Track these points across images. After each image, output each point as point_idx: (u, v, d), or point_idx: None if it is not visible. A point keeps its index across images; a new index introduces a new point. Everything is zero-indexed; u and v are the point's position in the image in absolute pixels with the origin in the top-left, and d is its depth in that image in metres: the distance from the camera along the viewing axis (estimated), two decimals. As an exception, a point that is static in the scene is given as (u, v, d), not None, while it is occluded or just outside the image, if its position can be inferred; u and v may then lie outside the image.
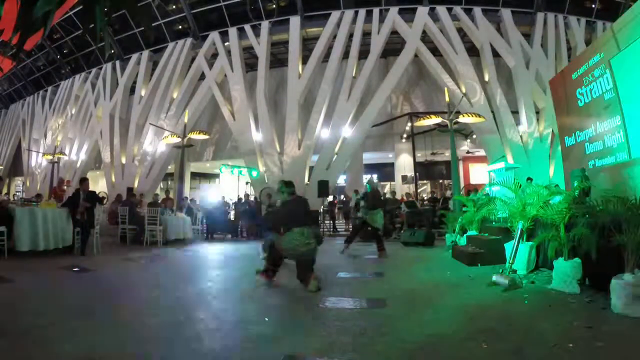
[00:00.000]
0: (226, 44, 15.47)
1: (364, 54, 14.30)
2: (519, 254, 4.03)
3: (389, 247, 6.68)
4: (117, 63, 17.79)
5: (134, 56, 17.38)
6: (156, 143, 15.66)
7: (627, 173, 4.26)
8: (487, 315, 2.80)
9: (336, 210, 14.47)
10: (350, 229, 11.99)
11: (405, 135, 16.52)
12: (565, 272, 3.36)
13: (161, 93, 16.12)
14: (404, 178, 16.84)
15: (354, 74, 14.08)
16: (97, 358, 1.95)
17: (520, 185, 4.58)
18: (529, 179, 8.38)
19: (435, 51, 14.16)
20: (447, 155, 14.58)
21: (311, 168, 14.03)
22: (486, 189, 7.42)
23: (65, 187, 9.12)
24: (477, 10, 14.01)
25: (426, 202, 13.48)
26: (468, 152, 16.43)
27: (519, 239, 3.99)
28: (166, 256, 6.57)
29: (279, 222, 4.23)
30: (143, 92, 16.86)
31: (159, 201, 9.74)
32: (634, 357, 2.01)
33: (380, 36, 14.08)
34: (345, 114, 13.76)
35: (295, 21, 14.75)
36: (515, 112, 13.42)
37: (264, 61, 14.78)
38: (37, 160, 20.64)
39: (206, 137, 14.51)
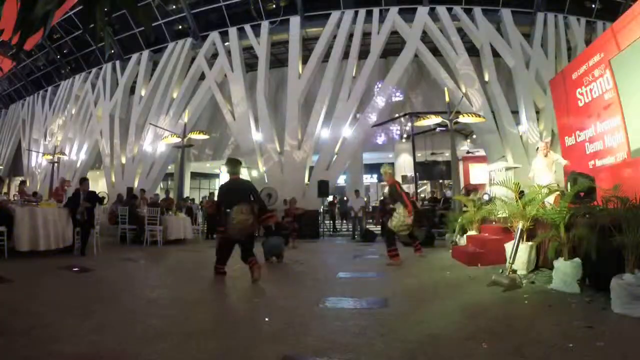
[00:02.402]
0: (226, 44, 15.47)
1: (364, 54, 14.30)
2: (519, 254, 4.02)
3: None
4: (117, 63, 17.80)
5: (134, 56, 17.39)
6: (156, 143, 15.66)
7: (627, 173, 4.25)
8: (487, 315, 2.80)
9: (336, 210, 14.48)
10: (350, 229, 12.01)
11: (405, 135, 16.52)
12: (565, 272, 3.36)
13: (161, 93, 16.12)
14: (404, 178, 16.83)
15: (354, 74, 14.08)
16: (97, 358, 1.95)
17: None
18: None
19: (435, 51, 14.17)
20: (447, 155, 14.59)
21: (311, 168, 14.03)
22: (487, 189, 7.40)
23: (66, 188, 9.12)
24: (477, 10, 14.02)
25: (426, 202, 13.47)
26: (468, 152, 16.42)
27: (519, 239, 3.99)
28: (166, 256, 6.57)
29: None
30: (143, 92, 16.86)
31: (159, 201, 9.74)
32: (634, 357, 2.01)
33: (380, 36, 14.08)
34: (345, 114, 13.76)
35: (295, 21, 14.75)
36: (515, 112, 13.43)
37: (264, 61, 14.79)
38: (37, 160, 20.65)
39: (206, 137, 14.50)
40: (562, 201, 3.75)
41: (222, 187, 4.72)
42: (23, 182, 9.90)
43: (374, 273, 4.82)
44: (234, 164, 4.70)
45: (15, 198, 7.22)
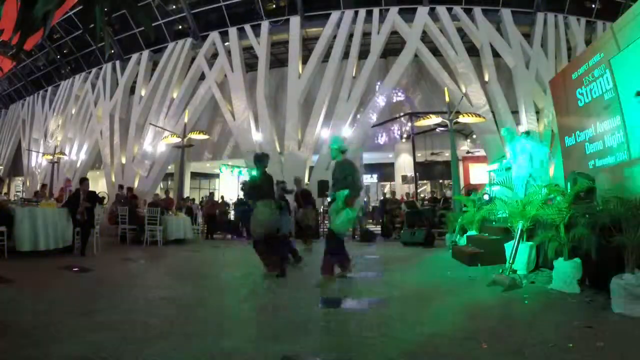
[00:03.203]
0: (226, 44, 15.47)
1: (364, 54, 14.30)
2: (519, 254, 4.02)
3: (389, 247, 6.66)
4: (117, 63, 17.79)
5: (134, 56, 17.38)
6: (156, 143, 15.66)
7: (627, 173, 4.25)
8: (487, 315, 2.80)
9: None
10: (350, 229, 11.98)
11: (405, 135, 16.51)
12: (565, 272, 3.36)
13: (161, 93, 16.12)
14: (404, 178, 16.83)
15: (354, 74, 14.08)
16: (97, 358, 1.95)
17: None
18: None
19: (435, 51, 14.17)
20: (447, 155, 14.58)
21: (311, 168, 14.03)
22: (486, 189, 7.40)
23: (71, 188, 9.15)
24: (477, 10, 14.01)
25: (426, 202, 13.47)
26: (468, 152, 16.42)
27: (519, 239, 3.98)
28: (166, 256, 6.57)
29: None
30: (143, 92, 16.86)
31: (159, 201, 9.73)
32: (634, 357, 2.01)
33: (380, 36, 14.08)
34: (345, 114, 13.76)
35: (295, 21, 14.75)
36: (515, 112, 13.42)
37: (264, 61, 14.78)
38: (37, 160, 20.64)
39: (206, 137, 14.52)
40: (562, 201, 3.74)
41: (248, 183, 4.83)
42: (44, 186, 10.14)
43: (374, 273, 4.82)
44: (262, 158, 4.85)
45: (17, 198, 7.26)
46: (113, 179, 16.67)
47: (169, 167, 17.69)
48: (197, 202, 15.07)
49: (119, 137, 16.95)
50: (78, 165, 18.34)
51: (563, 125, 6.25)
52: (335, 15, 14.53)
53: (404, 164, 17.05)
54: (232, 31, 15.36)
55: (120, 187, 12.41)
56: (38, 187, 18.44)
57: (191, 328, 2.48)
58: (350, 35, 14.35)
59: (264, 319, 2.75)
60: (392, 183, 18.32)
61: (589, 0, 14.75)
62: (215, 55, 15.77)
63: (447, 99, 11.15)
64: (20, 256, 5.21)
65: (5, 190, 21.17)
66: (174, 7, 16.09)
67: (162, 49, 16.83)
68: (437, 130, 13.61)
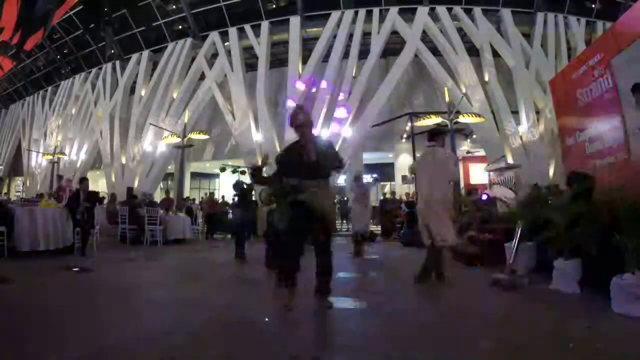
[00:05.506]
0: (226, 44, 15.49)
1: (364, 54, 14.31)
2: (519, 254, 4.02)
3: (389, 247, 6.65)
4: (117, 63, 17.81)
5: (134, 56, 17.40)
6: (156, 143, 15.66)
7: (627, 173, 4.25)
8: (487, 315, 2.80)
9: (336, 210, 14.47)
10: (350, 229, 11.97)
11: (405, 135, 16.51)
12: (565, 272, 3.36)
13: (161, 93, 16.13)
14: (404, 178, 16.81)
15: (354, 74, 14.09)
16: (97, 358, 1.95)
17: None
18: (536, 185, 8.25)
19: (435, 51, 14.18)
20: (447, 155, 14.56)
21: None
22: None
23: (72, 188, 9.10)
24: (477, 10, 14.03)
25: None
26: (468, 152, 16.41)
27: (519, 239, 3.98)
28: (166, 256, 6.56)
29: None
30: (143, 92, 16.87)
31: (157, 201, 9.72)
32: (634, 357, 2.01)
33: (380, 36, 14.10)
34: (345, 114, 13.77)
35: (295, 21, 14.76)
36: (515, 112, 13.43)
37: (264, 61, 14.80)
38: (37, 160, 20.65)
39: (206, 137, 14.53)
40: (562, 201, 3.74)
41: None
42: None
43: (374, 273, 4.82)
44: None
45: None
46: (113, 179, 16.68)
47: (169, 167, 17.70)
48: (197, 202, 15.07)
49: (119, 137, 16.95)
50: (78, 165, 18.35)
51: (563, 125, 6.25)
52: (335, 15, 14.54)
53: (404, 164, 17.04)
54: (232, 31, 15.37)
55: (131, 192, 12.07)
56: (38, 187, 18.53)
57: (191, 328, 2.48)
58: (350, 35, 14.36)
59: (263, 318, 2.75)
60: (392, 183, 18.32)
61: (589, 0, 14.77)
62: (215, 55, 15.77)
63: (447, 99, 11.16)
64: (20, 256, 5.21)
65: (5, 190, 21.21)
66: (174, 7, 16.10)
67: (162, 49, 16.85)
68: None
